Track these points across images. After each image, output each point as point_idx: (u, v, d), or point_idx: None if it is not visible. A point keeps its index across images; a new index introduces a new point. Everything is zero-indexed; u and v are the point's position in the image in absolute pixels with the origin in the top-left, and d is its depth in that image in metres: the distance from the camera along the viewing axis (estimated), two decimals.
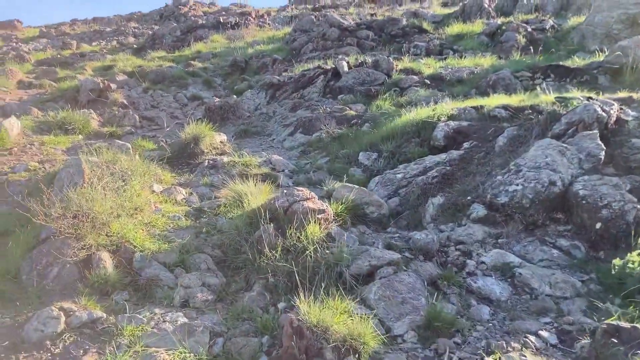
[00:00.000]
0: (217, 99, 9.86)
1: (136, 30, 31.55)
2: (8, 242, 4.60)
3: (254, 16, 27.29)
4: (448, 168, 5.47)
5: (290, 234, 4.27)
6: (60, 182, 5.14)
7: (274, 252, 4.08)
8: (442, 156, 5.73)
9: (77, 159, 5.26)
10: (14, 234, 4.56)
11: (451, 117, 6.60)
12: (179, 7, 36.14)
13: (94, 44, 28.32)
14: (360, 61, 10.50)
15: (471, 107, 6.84)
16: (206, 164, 6.95)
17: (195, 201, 5.69)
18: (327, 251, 4.05)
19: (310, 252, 4.02)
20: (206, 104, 9.71)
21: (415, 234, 4.57)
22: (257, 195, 5.01)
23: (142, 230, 4.68)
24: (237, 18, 25.84)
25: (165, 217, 5.06)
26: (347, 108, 8.55)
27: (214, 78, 13.49)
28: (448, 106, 6.93)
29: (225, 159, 6.94)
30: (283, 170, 6.75)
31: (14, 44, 28.36)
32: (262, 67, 13.74)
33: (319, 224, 4.42)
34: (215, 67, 14.96)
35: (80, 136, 8.59)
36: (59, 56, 23.18)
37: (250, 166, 6.63)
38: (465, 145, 5.91)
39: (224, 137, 7.95)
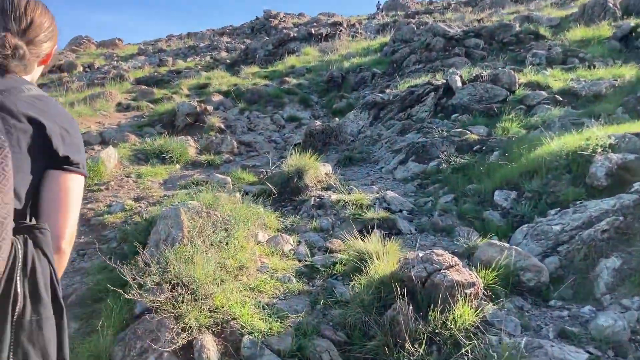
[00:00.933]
0: (318, 123, 9.11)
1: (229, 44, 31.93)
2: (99, 311, 4.03)
3: (345, 26, 26.64)
4: (621, 219, 4.30)
5: (434, 317, 3.35)
6: (156, 236, 4.53)
7: (415, 346, 3.18)
8: (610, 202, 4.56)
9: (175, 208, 4.63)
10: (105, 303, 3.98)
11: (609, 148, 5.38)
12: (270, 19, 36.35)
13: (188, 60, 28.87)
14: (474, 74, 9.37)
15: (632, 133, 5.58)
16: (312, 202, 6.17)
17: (305, 253, 4.90)
18: (490, 351, 3.08)
19: (467, 350, 3.08)
20: (307, 128, 8.98)
21: (598, 318, 3.48)
22: (382, 255, 4.13)
23: (249, 298, 3.94)
24: (329, 29, 25.29)
25: (273, 279, 4.31)
26: (467, 131, 7.48)
27: (310, 95, 12.84)
28: (601, 133, 5.70)
29: (334, 196, 6.12)
30: (400, 211, 5.83)
31: (115, 62, 29.49)
32: (360, 83, 12.92)
33: (469, 302, 3.47)
34: (310, 83, 14.34)
35: (177, 166, 8.14)
36: (155, 74, 23.69)
37: (362, 206, 5.76)
38: (637, 186, 4.70)
39: (328, 167, 7.15)
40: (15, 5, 1.53)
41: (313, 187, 6.67)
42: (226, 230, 4.77)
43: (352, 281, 4.11)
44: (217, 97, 12.34)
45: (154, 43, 42.42)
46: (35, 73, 1.67)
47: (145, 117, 11.56)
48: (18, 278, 1.27)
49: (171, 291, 3.64)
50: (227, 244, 4.58)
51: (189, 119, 9.94)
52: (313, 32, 24.50)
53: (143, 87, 18.66)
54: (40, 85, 24.56)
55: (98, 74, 26.26)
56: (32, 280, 1.32)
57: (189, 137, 9.24)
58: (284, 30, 25.73)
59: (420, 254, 3.89)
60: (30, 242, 1.35)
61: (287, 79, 14.47)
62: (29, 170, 1.44)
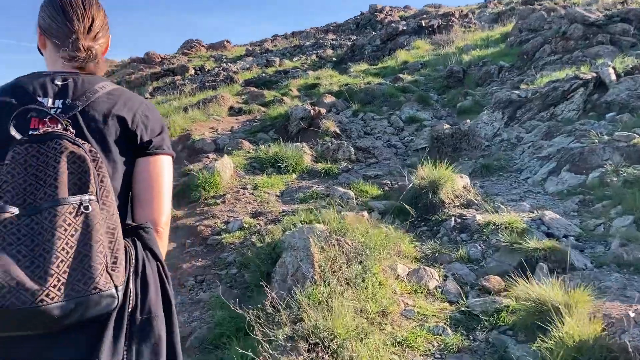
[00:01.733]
0: (446, 125, 8.15)
1: (334, 42, 31.49)
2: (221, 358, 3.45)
3: (457, 16, 25.13)
4: None
5: None
6: (283, 269, 3.89)
7: None
8: None
9: (303, 237, 3.96)
10: (228, 352, 3.39)
11: None
12: (375, 13, 35.45)
13: (294, 59, 28.77)
14: (631, 65, 7.95)
15: None
16: (452, 223, 5.28)
17: (454, 291, 4.05)
18: None
19: None
20: (432, 132, 8.07)
21: None
22: (569, 307, 3.19)
23: (399, 357, 3.19)
24: (440, 20, 23.96)
25: (424, 330, 3.51)
26: (636, 135, 6.21)
27: (429, 93, 11.85)
28: None
29: (479, 217, 5.19)
30: (566, 237, 4.78)
31: (224, 64, 30.07)
32: (485, 77, 11.72)
33: None
34: (426, 79, 13.33)
35: (293, 175, 7.58)
36: (263, 74, 23.69)
37: (516, 230, 4.78)
38: None
39: (466, 180, 6.21)
40: (76, 5, 1.52)
41: (450, 203, 5.77)
42: (360, 262, 4.04)
43: (529, 340, 3.21)
44: (328, 99, 11.72)
45: (260, 44, 43.09)
46: (100, 65, 1.62)
47: (257, 122, 11.19)
48: (131, 279, 1.30)
49: (308, 351, 2.95)
50: (363, 280, 3.85)
51: (302, 124, 9.38)
52: (423, 24, 23.31)
53: (253, 89, 18.57)
54: (156, 89, 25.29)
55: (209, 77, 26.85)
56: (143, 280, 1.35)
57: (304, 144, 8.67)
58: (392, 24, 24.75)
59: (631, 313, 2.91)
60: (138, 243, 1.39)
61: (400, 75, 13.56)
62: (121, 166, 1.47)
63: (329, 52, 29.38)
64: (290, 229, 4.72)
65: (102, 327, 1.25)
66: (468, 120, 7.84)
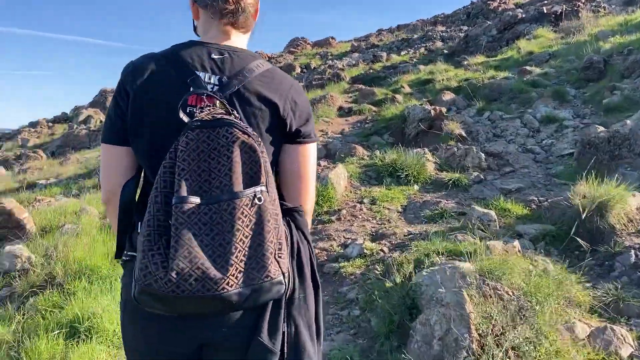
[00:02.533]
0: (601, 128, 6.83)
1: (444, 34, 29.93)
2: None
3: (583, 1, 22.69)
4: None
5: None
6: (427, 329, 3.02)
7: None
8: None
9: (453, 290, 3.07)
10: None
11: None
12: (487, 2, 33.28)
13: (402, 53, 27.61)
14: None
15: None
16: (632, 258, 4.13)
17: None
18: None
19: None
20: (582, 136, 6.79)
21: None
22: None
23: None
24: (564, 5, 21.74)
25: None
26: None
27: (565, 88, 10.36)
28: None
29: None
30: None
31: (330, 61, 29.61)
32: (633, 68, 10.04)
33: None
34: (557, 71, 11.76)
35: (415, 187, 6.67)
36: (371, 71, 22.84)
37: None
38: None
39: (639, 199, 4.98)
40: None
41: (622, 230, 4.59)
42: (526, 318, 3.08)
43: None
44: (447, 96, 10.63)
45: (365, 39, 42.25)
46: (248, 40, 1.61)
47: (369, 123, 10.37)
48: (288, 260, 1.33)
49: None
50: (534, 347, 2.89)
51: (421, 125, 8.42)
52: (545, 11, 21.27)
53: (361, 86, 17.79)
54: None
55: (315, 74, 26.51)
56: (298, 261, 1.41)
57: (425, 149, 7.72)
58: (508, 12, 22.86)
59: None
60: (292, 225, 1.44)
61: (527, 68, 12.09)
62: (271, 152, 1.47)
63: (439, 44, 27.95)
64: (426, 265, 3.85)
65: (264, 307, 1.34)
66: (628, 122, 6.48)
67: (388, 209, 6.00)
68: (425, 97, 12.59)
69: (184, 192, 1.21)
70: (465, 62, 16.87)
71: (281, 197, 1.48)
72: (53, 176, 12.32)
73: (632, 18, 15.52)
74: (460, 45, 23.03)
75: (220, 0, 1.47)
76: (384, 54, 26.59)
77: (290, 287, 1.34)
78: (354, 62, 27.33)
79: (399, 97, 12.35)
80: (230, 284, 1.19)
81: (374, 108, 11.96)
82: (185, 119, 1.30)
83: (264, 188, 1.27)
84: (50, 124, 35.65)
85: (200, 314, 1.30)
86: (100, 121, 29.20)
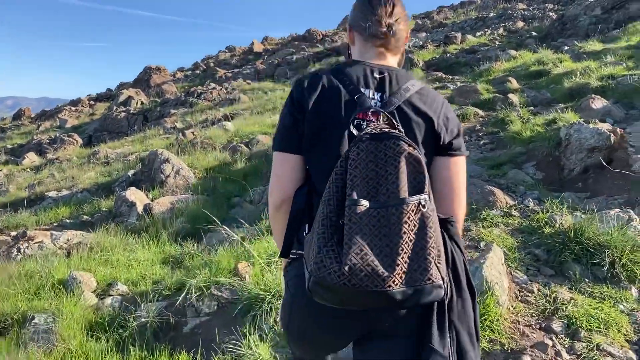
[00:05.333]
0: None
1: (525, 12, 26.18)
2: None
3: None
4: None
5: None
6: None
7: None
8: None
9: None
10: None
11: None
12: None
13: (478, 34, 24.12)
14: None
15: None
16: None
17: None
18: None
19: None
20: None
21: None
22: None
23: None
24: None
25: None
26: None
27: None
28: None
29: None
30: None
31: None
32: None
33: None
34: None
35: (632, 290, 3.73)
36: (447, 55, 19.54)
37: None
38: None
39: None
40: None
41: None
42: None
43: None
44: (598, 102, 7.50)
45: (426, 16, 38.59)
46: (402, 55, 1.73)
47: (485, 138, 7.40)
48: (444, 267, 1.35)
49: None
50: None
51: (592, 158, 5.41)
52: None
53: (441, 74, 14.66)
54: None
55: None
56: (454, 270, 1.44)
57: (617, 201, 4.72)
58: None
59: None
60: (446, 235, 1.44)
61: None
62: (427, 163, 1.49)
63: (520, 24, 24.28)
64: None
65: (428, 313, 1.40)
66: None
67: (607, 352, 3.09)
68: (543, 97, 9.44)
69: (355, 195, 1.30)
70: (578, 49, 13.50)
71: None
72: (67, 186, 9.87)
73: None
74: (555, 27, 19.45)
75: (374, 25, 1.60)
76: (458, 35, 23.15)
77: (448, 294, 1.36)
78: (421, 43, 23.98)
79: (513, 98, 9.24)
80: (395, 283, 1.24)
81: (480, 112, 8.93)
82: (355, 132, 1.42)
83: (427, 197, 1.32)
84: (92, 102, 33.87)
85: (365, 309, 1.39)
86: (142, 102, 27.00)
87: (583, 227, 4.21)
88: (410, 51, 20.78)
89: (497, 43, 20.30)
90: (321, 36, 33.59)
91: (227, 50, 44.47)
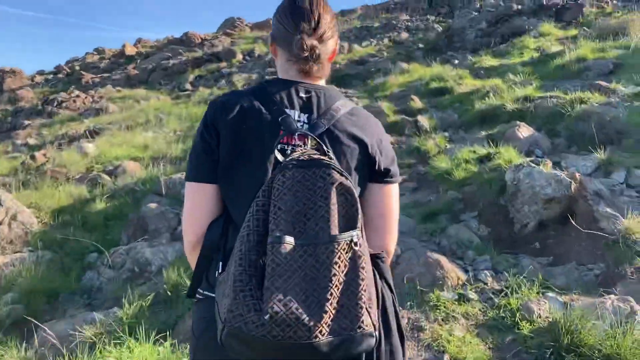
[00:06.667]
0: None
1: (408, 23, 26.12)
2: None
3: None
4: None
5: None
6: None
7: None
8: None
9: None
10: None
11: None
12: None
13: (364, 43, 23.51)
14: None
15: None
16: None
17: None
18: None
19: None
20: None
21: None
22: None
23: None
24: None
25: None
26: None
27: None
28: None
29: None
30: None
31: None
32: None
33: None
34: None
35: None
36: (337, 66, 18.59)
37: None
38: None
39: None
40: (304, 3, 1.43)
41: None
42: None
43: None
44: (523, 130, 6.61)
45: None
46: (327, 73, 1.54)
47: (405, 174, 6.22)
48: (375, 311, 1.23)
49: None
50: None
51: (550, 211, 4.37)
52: (545, 3, 17.87)
53: (346, 94, 13.52)
54: (197, 79, 20.23)
55: (260, 62, 21.97)
56: (383, 312, 1.31)
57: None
58: (502, 3, 19.29)
59: None
60: (377, 273, 1.32)
61: (602, 84, 8.25)
62: (357, 191, 1.36)
63: (404, 35, 24.09)
64: None
65: None
66: None
67: None
68: (452, 119, 8.55)
69: (280, 231, 1.14)
70: (473, 64, 13.04)
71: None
72: None
73: None
74: (443, 39, 19.25)
75: (295, 47, 1.39)
76: (345, 44, 22.39)
77: (377, 337, 1.20)
78: None
79: (423, 121, 8.23)
80: (322, 332, 1.10)
81: (390, 138, 7.78)
82: (280, 157, 1.26)
83: (359, 233, 1.19)
84: None
85: None
86: None
87: (575, 327, 3.06)
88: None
89: (385, 54, 19.75)
90: (200, 40, 31.45)
91: (95, 53, 40.44)
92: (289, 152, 1.31)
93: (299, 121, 1.37)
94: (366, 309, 1.14)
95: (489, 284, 3.78)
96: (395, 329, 1.33)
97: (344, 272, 1.13)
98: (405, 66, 15.27)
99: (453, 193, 5.10)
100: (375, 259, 1.34)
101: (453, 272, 3.84)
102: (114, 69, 32.62)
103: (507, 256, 4.20)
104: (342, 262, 1.13)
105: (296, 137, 1.34)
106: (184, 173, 1.42)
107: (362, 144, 1.38)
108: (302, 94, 1.41)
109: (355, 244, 1.16)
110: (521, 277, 3.69)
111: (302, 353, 1.10)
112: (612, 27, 12.36)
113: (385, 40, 23.48)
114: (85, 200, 7.64)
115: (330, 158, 1.26)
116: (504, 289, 3.69)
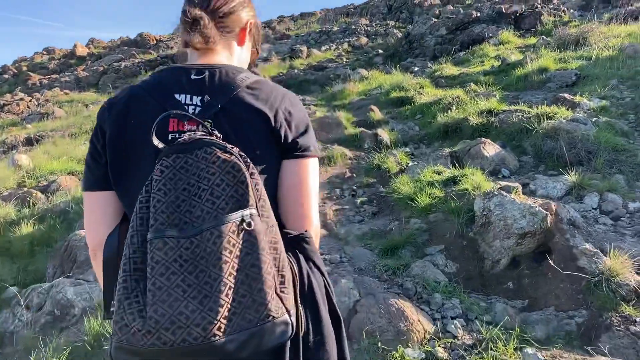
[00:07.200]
0: None
1: (368, 28, 25.77)
2: None
3: (539, 2, 19.49)
4: None
5: None
6: None
7: None
8: None
9: None
10: None
11: None
12: None
13: (323, 48, 23.04)
14: None
15: None
16: None
17: None
18: None
19: None
20: None
21: None
22: None
23: None
24: (523, 6, 18.41)
25: None
26: None
27: None
28: None
29: None
30: None
31: None
32: None
33: None
34: (621, 107, 7.78)
35: None
36: (294, 71, 18.04)
37: None
38: None
39: None
40: None
41: None
42: None
43: None
44: (490, 148, 6.20)
45: (266, 26, 37.10)
46: (240, 54, 1.42)
47: (364, 196, 5.71)
48: (298, 298, 1.12)
49: None
50: None
51: (523, 246, 3.93)
52: (504, 10, 17.77)
53: (304, 101, 12.97)
54: None
55: None
56: (310, 298, 1.20)
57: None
58: (462, 11, 19.13)
59: None
60: (301, 256, 1.22)
61: (566, 96, 7.97)
62: (269, 170, 1.25)
63: (363, 40, 23.75)
64: None
65: (278, 357, 1.11)
66: None
67: None
68: (413, 132, 8.13)
69: (160, 226, 1.02)
70: (433, 72, 12.71)
71: (283, 226, 1.25)
72: None
73: None
74: (402, 45, 18.93)
75: (181, 20, 1.31)
76: (304, 48, 21.89)
77: (302, 327, 1.12)
78: (264, 55, 22.30)
79: (383, 135, 7.77)
80: (222, 329, 0.98)
81: (348, 153, 7.28)
82: (160, 145, 1.12)
83: (254, 211, 1.06)
84: None
85: None
86: None
87: None
88: (254, 65, 18.92)
89: (344, 60, 19.35)
90: (155, 41, 30.41)
91: (45, 52, 38.70)
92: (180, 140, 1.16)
93: (191, 104, 1.24)
94: (276, 293, 1.04)
95: (459, 337, 3.29)
96: (327, 318, 1.22)
97: (239, 257, 1.02)
98: (364, 73, 14.88)
99: (416, 222, 4.60)
100: (298, 240, 1.25)
101: (419, 324, 3.33)
102: (63, 69, 31.21)
103: (478, 299, 3.73)
104: (234, 246, 1.02)
105: (186, 123, 1.21)
106: None
107: (263, 117, 1.24)
108: (194, 76, 1.27)
109: (249, 225, 1.04)
110: (495, 330, 3.21)
111: (206, 355, 0.98)
112: (573, 36, 12.20)
113: (345, 45, 23.10)
114: (11, 221, 6.83)
115: (217, 137, 1.13)
116: (477, 343, 3.20)
